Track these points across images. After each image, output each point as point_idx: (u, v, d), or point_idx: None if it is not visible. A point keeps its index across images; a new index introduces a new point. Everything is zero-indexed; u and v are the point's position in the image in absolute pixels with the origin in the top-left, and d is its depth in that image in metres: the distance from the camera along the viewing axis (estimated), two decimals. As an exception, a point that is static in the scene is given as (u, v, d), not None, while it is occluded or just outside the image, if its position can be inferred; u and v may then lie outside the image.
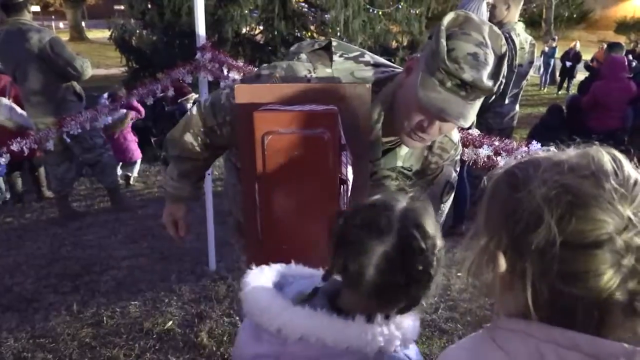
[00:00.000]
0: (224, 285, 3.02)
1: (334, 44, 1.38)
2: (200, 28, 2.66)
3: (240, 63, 2.54)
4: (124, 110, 4.61)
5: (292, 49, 1.47)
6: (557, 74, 12.82)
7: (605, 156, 0.59)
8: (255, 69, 2.33)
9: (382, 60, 1.43)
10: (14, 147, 2.46)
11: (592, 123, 5.03)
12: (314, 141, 1.21)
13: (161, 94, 5.81)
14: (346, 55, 1.38)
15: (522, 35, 3.45)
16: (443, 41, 1.09)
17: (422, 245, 0.83)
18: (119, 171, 4.96)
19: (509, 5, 3.32)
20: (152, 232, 3.86)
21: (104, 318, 2.71)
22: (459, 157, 1.49)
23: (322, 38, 7.87)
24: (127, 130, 4.96)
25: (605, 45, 12.07)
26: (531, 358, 0.58)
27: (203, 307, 2.80)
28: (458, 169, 1.49)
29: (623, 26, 28.13)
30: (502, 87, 3.54)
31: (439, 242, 0.87)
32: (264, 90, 1.30)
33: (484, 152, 1.74)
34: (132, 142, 5.00)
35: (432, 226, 0.87)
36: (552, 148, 1.61)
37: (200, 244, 3.46)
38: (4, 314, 2.78)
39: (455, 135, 1.46)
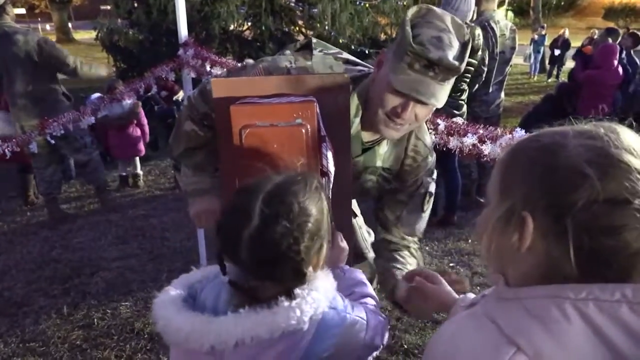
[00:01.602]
0: (215, 283, 3.00)
1: (313, 41, 1.46)
2: (182, 25, 2.63)
3: (223, 59, 2.52)
4: (130, 101, 4.54)
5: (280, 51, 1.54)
6: (547, 61, 12.84)
7: (626, 130, 0.65)
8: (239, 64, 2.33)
9: (358, 60, 1.49)
10: (-5, 150, 2.43)
11: (584, 110, 5.08)
12: (293, 133, 1.19)
13: (149, 94, 5.78)
14: (325, 52, 1.45)
15: (501, 22, 3.48)
16: (408, 28, 1.16)
17: (286, 223, 0.84)
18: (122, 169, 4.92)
19: None
20: (142, 232, 3.83)
21: (95, 320, 2.69)
22: (434, 165, 1.51)
23: (310, 33, 7.85)
24: (135, 124, 4.90)
25: (596, 32, 12.12)
26: (579, 325, 0.59)
27: (195, 306, 2.78)
28: (435, 177, 1.52)
29: (611, 12, 28.21)
30: (484, 74, 3.55)
31: (314, 215, 0.88)
32: (241, 83, 1.28)
33: (469, 140, 1.73)
34: (139, 136, 4.94)
35: (305, 201, 0.88)
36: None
37: (191, 242, 3.44)
38: (-6, 319, 2.75)
39: (428, 139, 1.49)
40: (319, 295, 0.89)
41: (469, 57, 1.29)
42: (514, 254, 0.66)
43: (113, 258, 3.42)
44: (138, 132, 4.91)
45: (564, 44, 12.00)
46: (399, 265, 1.46)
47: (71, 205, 4.49)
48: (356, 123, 1.35)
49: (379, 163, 1.43)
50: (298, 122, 1.19)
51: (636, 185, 0.60)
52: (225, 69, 2.43)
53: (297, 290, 0.87)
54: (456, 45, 1.18)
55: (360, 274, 1.18)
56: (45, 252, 3.56)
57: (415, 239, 1.54)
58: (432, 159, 1.48)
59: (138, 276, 3.15)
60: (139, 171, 5.02)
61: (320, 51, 1.43)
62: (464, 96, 3.26)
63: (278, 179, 0.91)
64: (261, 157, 1.19)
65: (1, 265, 3.37)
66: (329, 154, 1.22)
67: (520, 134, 1.66)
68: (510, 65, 3.76)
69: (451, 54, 1.15)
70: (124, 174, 4.96)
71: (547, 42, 12.83)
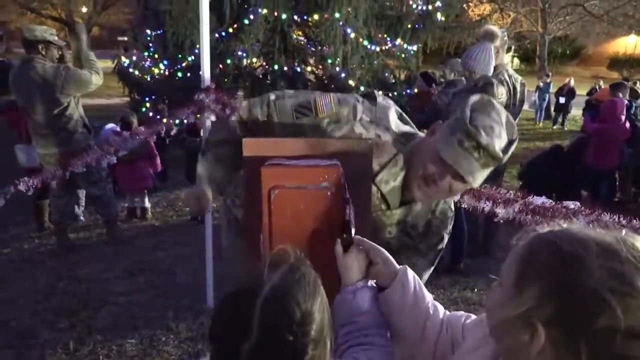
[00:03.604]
0: (221, 323, 3.00)
1: (377, 93, 1.55)
2: (206, 70, 2.73)
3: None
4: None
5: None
6: (552, 109, 13.05)
7: None
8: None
9: (407, 119, 1.57)
10: (21, 186, 2.48)
11: (591, 162, 5.16)
12: (319, 195, 1.25)
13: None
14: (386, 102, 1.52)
15: (513, 76, 3.60)
16: (467, 111, 1.26)
17: (288, 335, 0.77)
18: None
19: (498, 50, 3.48)
20: (149, 266, 3.85)
21: (101, 357, 2.69)
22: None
23: (321, 72, 8.00)
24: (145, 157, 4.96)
25: (601, 82, 12.32)
26: None
27: (200, 347, 2.78)
28: (450, 233, 1.60)
29: (616, 62, 28.73)
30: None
31: (317, 319, 0.80)
32: (270, 144, 1.34)
33: (483, 204, 1.78)
34: (149, 170, 5.00)
35: (307, 304, 0.80)
36: (551, 202, 1.64)
37: (198, 279, 3.45)
38: (0, 351, 2.75)
39: (452, 203, 1.59)
40: None
41: None
42: (525, 351, 0.66)
43: (120, 292, 3.43)
44: (148, 165, 4.99)
45: (569, 93, 12.24)
46: None
47: (79, 235, 4.52)
48: (401, 176, 1.42)
49: (410, 218, 1.52)
50: (324, 185, 1.25)
51: None
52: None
53: None
54: (504, 139, 1.28)
55: (369, 296, 1.11)
56: (52, 282, 3.57)
57: None
58: (453, 217, 1.58)
59: (144, 312, 3.15)
60: (147, 204, 5.07)
61: (383, 99, 1.53)
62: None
63: (274, 279, 0.81)
64: (288, 217, 1.25)
65: (8, 293, 3.38)
66: (352, 217, 1.28)
67: (538, 200, 1.70)
68: (518, 117, 3.85)
69: (498, 145, 1.24)
70: (132, 205, 5.01)
71: (553, 89, 13.07)
